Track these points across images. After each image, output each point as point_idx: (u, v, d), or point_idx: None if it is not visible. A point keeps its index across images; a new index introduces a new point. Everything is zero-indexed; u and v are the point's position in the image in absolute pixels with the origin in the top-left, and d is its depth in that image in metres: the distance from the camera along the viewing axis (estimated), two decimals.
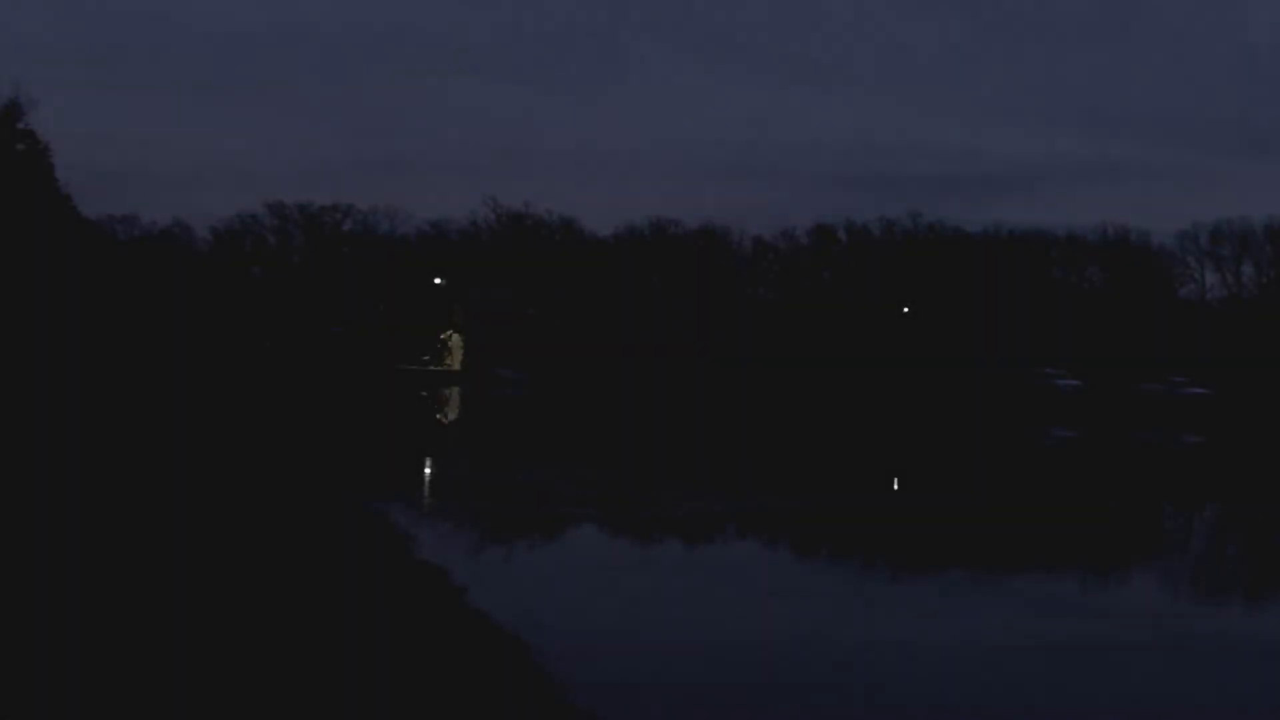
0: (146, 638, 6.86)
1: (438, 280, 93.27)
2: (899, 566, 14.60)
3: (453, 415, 45.00)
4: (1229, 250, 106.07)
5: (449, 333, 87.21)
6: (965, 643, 10.35)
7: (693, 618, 11.01)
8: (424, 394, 57.86)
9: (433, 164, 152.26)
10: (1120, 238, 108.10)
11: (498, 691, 7.11)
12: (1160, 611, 11.89)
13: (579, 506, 17.32)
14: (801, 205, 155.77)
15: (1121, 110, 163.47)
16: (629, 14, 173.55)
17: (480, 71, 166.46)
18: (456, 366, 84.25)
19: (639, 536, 15.75)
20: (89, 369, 30.52)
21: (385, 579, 9.89)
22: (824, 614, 11.38)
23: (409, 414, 44.90)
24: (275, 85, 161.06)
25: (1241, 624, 11.82)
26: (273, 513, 12.37)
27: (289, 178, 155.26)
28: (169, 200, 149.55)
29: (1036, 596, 12.54)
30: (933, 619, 11.16)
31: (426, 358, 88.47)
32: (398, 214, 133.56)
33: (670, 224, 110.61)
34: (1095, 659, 9.62)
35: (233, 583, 8.56)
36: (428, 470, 23.18)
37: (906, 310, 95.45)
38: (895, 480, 26.74)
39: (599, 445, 35.16)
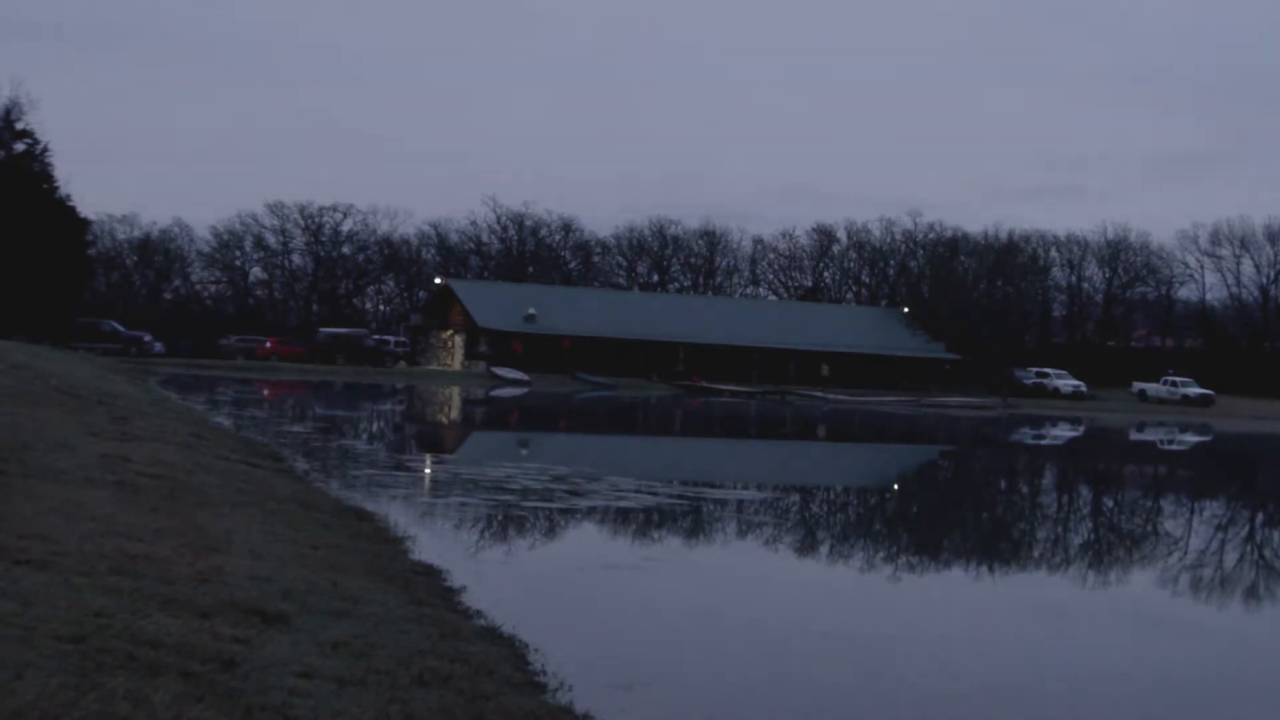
0: None
1: (438, 280, 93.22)
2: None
3: (448, 416, 44.93)
4: (1229, 250, 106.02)
5: (449, 333, 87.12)
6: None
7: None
8: (422, 395, 57.76)
9: (433, 163, 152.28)
10: (1120, 238, 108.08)
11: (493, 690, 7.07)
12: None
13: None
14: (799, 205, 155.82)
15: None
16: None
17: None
18: (456, 367, 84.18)
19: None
20: None
21: (384, 576, 9.86)
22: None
23: (404, 415, 44.86)
24: (276, 82, 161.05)
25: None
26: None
27: (289, 178, 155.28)
28: (169, 200, 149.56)
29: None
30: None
31: (425, 358, 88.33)
32: (397, 214, 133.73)
33: (670, 224, 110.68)
34: None
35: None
36: (415, 468, 23.14)
37: (907, 310, 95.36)
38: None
39: (586, 443, 35.15)
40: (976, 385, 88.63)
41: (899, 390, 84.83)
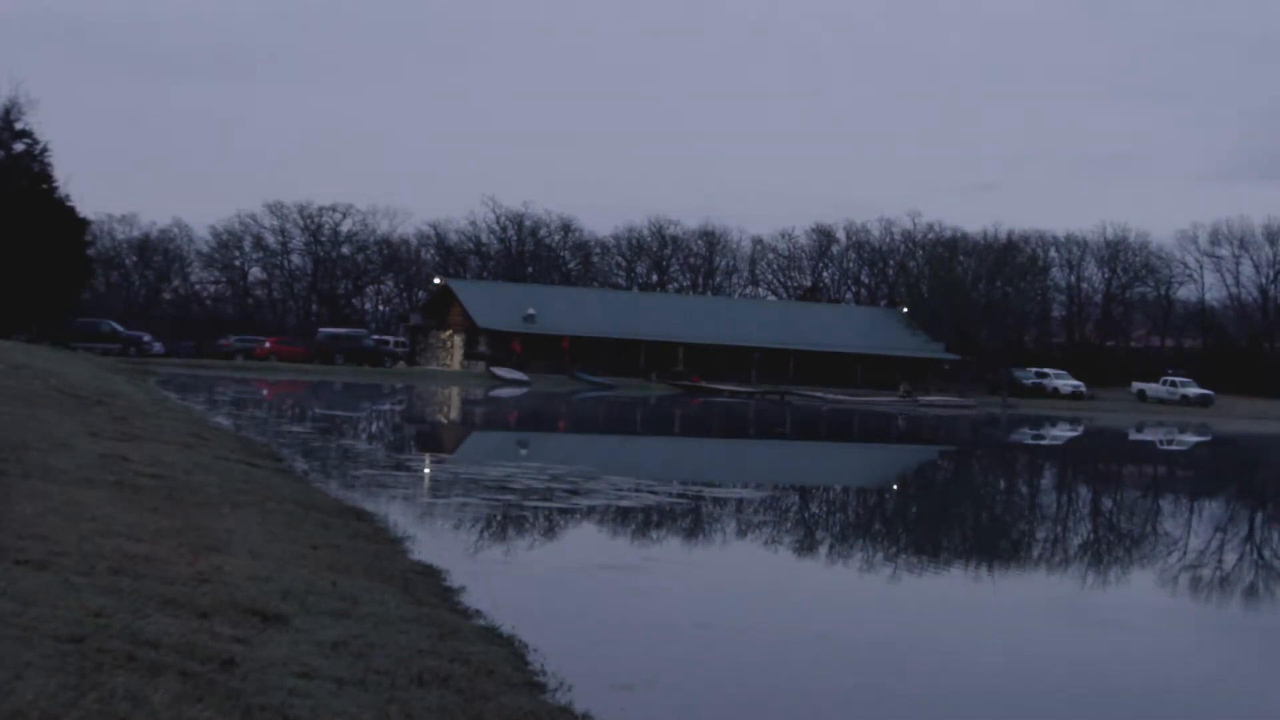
0: None
1: (437, 280, 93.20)
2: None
3: (447, 416, 44.94)
4: (1228, 250, 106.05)
5: (448, 333, 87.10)
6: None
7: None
8: (421, 395, 57.74)
9: (433, 163, 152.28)
10: (1119, 238, 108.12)
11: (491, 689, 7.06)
12: None
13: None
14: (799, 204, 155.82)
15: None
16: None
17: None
18: (456, 367, 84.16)
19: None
20: None
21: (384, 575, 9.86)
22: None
23: (403, 415, 44.86)
24: (274, 81, 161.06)
25: None
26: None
27: (289, 178, 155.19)
28: (169, 200, 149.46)
29: None
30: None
31: (425, 358, 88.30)
32: (397, 214, 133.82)
33: (670, 224, 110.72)
34: None
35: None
36: (414, 468, 23.14)
37: (906, 310, 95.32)
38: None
39: (585, 443, 35.16)
40: (977, 385, 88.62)
41: (897, 390, 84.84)
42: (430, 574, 10.86)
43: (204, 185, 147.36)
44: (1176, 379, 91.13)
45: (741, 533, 16.77)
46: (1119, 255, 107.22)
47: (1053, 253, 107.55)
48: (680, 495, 19.82)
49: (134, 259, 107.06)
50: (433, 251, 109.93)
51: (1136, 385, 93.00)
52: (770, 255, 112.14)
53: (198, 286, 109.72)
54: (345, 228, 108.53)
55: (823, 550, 16.04)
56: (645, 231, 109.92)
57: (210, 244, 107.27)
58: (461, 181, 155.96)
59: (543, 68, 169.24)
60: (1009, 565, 15.69)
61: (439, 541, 13.35)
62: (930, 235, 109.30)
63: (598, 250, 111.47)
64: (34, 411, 18.15)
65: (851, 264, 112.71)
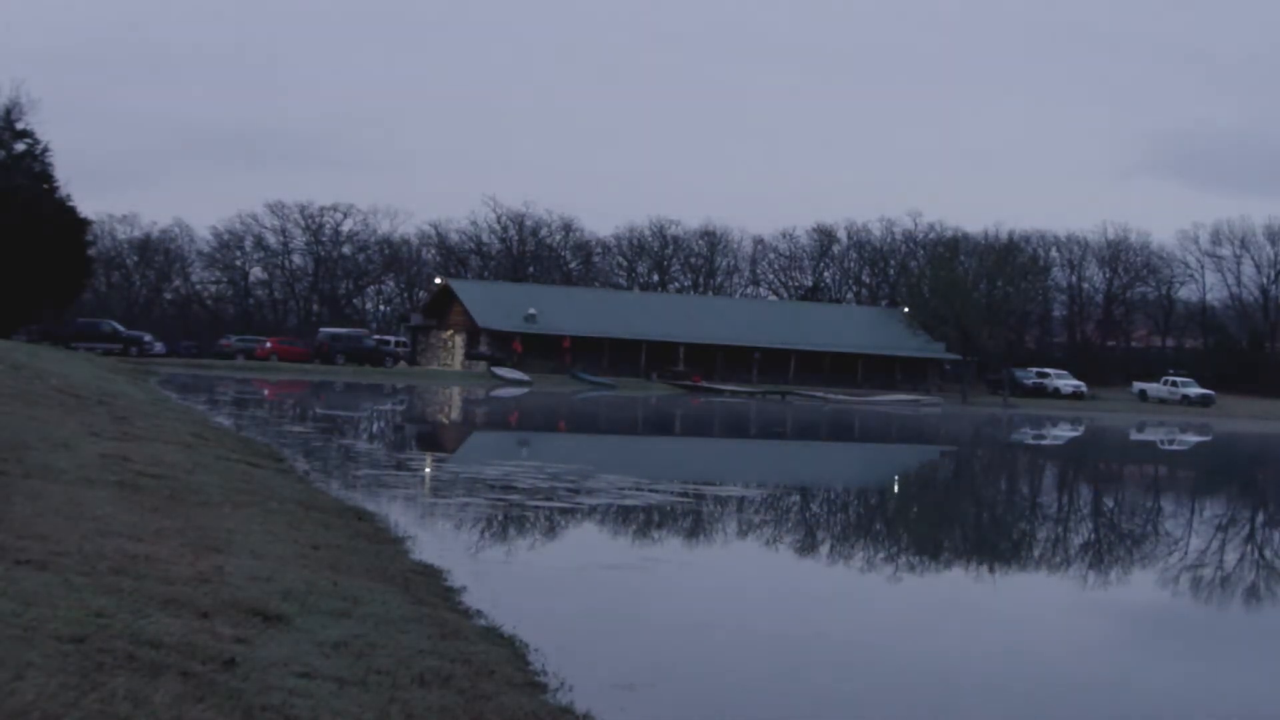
0: None
1: (438, 280, 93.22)
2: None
3: (448, 416, 44.94)
4: (1229, 250, 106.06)
5: (449, 333, 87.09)
6: None
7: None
8: (422, 395, 57.74)
9: (433, 163, 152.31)
10: (1120, 238, 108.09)
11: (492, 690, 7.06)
12: None
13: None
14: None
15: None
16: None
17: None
18: (457, 367, 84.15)
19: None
20: None
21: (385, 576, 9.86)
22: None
23: (404, 415, 44.85)
24: (276, 80, 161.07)
25: None
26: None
27: (289, 177, 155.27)
28: (169, 200, 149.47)
29: None
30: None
31: (426, 358, 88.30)
32: (397, 214, 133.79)
33: (671, 223, 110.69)
34: None
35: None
36: (415, 468, 23.14)
37: (907, 310, 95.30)
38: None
39: (586, 443, 35.16)
40: (977, 385, 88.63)
41: (898, 390, 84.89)
42: (431, 574, 10.86)
43: (205, 185, 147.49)
44: (1177, 379, 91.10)
45: (742, 532, 16.77)
46: (1120, 255, 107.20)
47: (1054, 253, 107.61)
48: (681, 495, 19.81)
49: (135, 259, 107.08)
50: (433, 251, 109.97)
51: (1137, 385, 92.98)
52: (771, 255, 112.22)
53: (199, 286, 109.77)
54: (346, 228, 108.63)
55: (823, 549, 16.04)
56: (646, 231, 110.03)
57: (211, 244, 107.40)
58: (462, 181, 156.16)
59: (544, 67, 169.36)
60: (1008, 565, 15.70)
61: (440, 541, 13.34)
62: (931, 235, 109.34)
63: (599, 250, 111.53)
64: (35, 411, 18.16)
65: (852, 264, 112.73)
